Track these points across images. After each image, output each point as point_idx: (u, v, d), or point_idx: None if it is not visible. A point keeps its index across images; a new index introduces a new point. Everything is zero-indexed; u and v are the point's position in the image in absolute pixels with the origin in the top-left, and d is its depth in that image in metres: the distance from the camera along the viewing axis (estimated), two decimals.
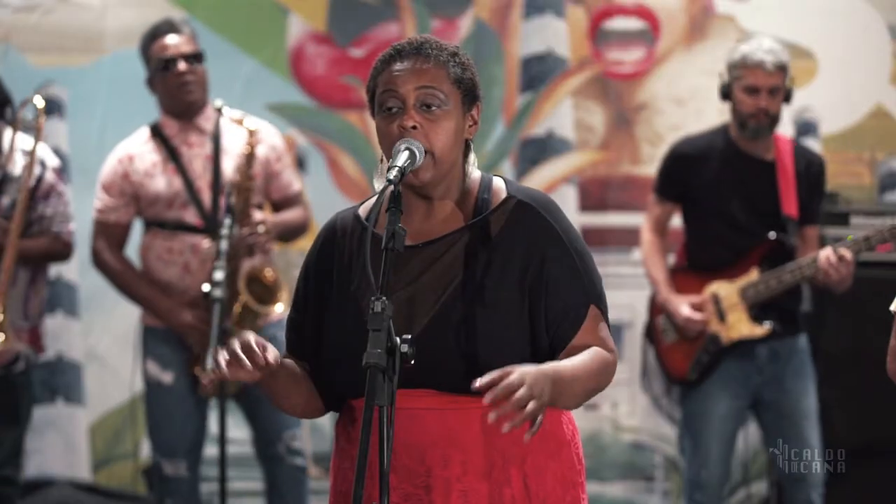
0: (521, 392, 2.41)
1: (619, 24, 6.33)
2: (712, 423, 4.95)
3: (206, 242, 4.82)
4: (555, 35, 6.31)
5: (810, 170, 4.99)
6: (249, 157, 4.85)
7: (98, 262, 4.96)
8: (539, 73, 6.31)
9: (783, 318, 4.94)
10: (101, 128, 6.18)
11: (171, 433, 4.91)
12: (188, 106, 4.90)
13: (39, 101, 4.75)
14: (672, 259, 5.24)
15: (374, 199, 2.74)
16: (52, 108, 6.15)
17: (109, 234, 4.92)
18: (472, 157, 2.73)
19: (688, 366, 4.99)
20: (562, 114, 6.32)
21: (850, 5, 6.22)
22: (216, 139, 4.90)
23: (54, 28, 6.24)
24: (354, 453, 2.61)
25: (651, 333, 5.17)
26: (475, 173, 2.73)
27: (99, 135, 6.16)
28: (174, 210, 4.87)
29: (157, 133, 4.95)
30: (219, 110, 4.91)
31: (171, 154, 4.90)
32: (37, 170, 4.76)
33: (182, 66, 4.86)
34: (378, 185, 2.71)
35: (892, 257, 5.37)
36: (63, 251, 4.89)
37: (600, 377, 2.64)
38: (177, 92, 4.89)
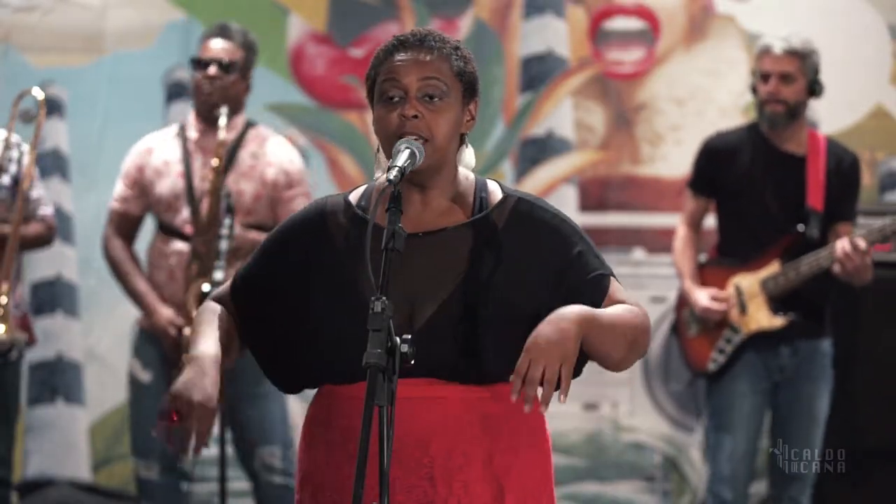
0: (530, 373, 2.46)
1: (619, 24, 6.33)
2: (738, 419, 4.98)
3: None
4: (555, 35, 6.31)
5: (841, 166, 5.01)
6: (217, 168, 4.80)
7: (104, 248, 4.99)
8: (539, 73, 6.31)
9: (807, 317, 4.96)
10: (101, 128, 6.18)
11: (145, 433, 4.90)
12: (206, 110, 4.90)
13: (39, 93, 4.74)
14: (704, 257, 5.26)
15: (362, 189, 2.76)
16: (52, 108, 6.14)
17: (119, 223, 4.96)
18: (470, 151, 2.74)
19: (709, 356, 5.02)
20: (562, 114, 6.31)
21: (850, 5, 6.22)
22: (232, 151, 4.88)
23: (54, 28, 6.24)
24: (351, 447, 2.61)
25: (676, 326, 5.21)
26: (470, 175, 2.74)
27: (99, 135, 6.16)
28: (171, 213, 4.88)
29: (180, 132, 4.98)
30: (221, 118, 4.88)
31: (185, 156, 4.91)
32: (14, 153, 4.76)
33: (212, 70, 4.86)
34: (376, 176, 2.72)
35: (893, 257, 5.38)
36: (49, 235, 4.91)
37: (638, 329, 2.64)
38: (198, 93, 4.91)
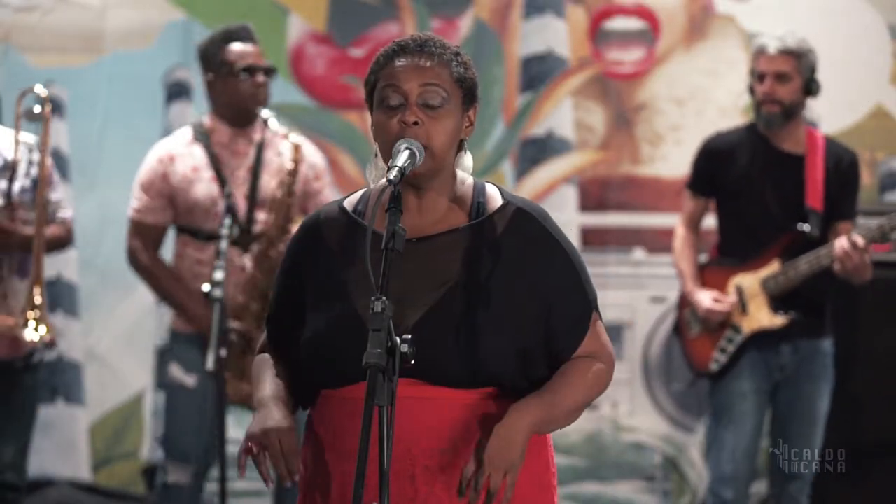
0: (475, 481, 2.54)
1: (619, 24, 6.33)
2: (739, 418, 4.98)
3: (242, 258, 4.77)
4: (555, 35, 6.32)
5: (840, 165, 5.00)
6: (293, 173, 4.81)
7: (134, 262, 4.89)
8: (539, 73, 6.31)
9: (808, 316, 4.97)
10: (101, 128, 6.18)
11: (186, 437, 4.85)
12: (250, 115, 4.86)
13: (42, 90, 4.70)
14: (705, 258, 5.26)
15: (359, 193, 2.76)
16: (52, 108, 6.14)
17: (146, 234, 4.85)
18: (469, 158, 2.74)
19: (711, 357, 5.03)
20: (562, 114, 6.32)
21: (850, 5, 6.23)
22: (259, 150, 4.86)
23: (54, 28, 6.24)
24: (344, 447, 2.62)
25: (678, 327, 5.22)
26: (468, 178, 2.74)
27: (99, 135, 6.17)
28: (210, 219, 4.80)
29: (199, 136, 4.88)
30: (265, 121, 4.87)
31: (213, 160, 4.84)
32: (35, 156, 4.74)
33: (261, 78, 4.82)
34: (371, 178, 2.72)
35: (892, 257, 5.38)
36: (68, 237, 4.86)
37: (596, 388, 2.72)
38: (247, 100, 4.83)
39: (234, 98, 4.84)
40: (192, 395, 4.85)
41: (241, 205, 4.81)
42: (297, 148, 4.84)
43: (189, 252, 4.85)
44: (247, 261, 4.80)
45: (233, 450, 4.97)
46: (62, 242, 4.85)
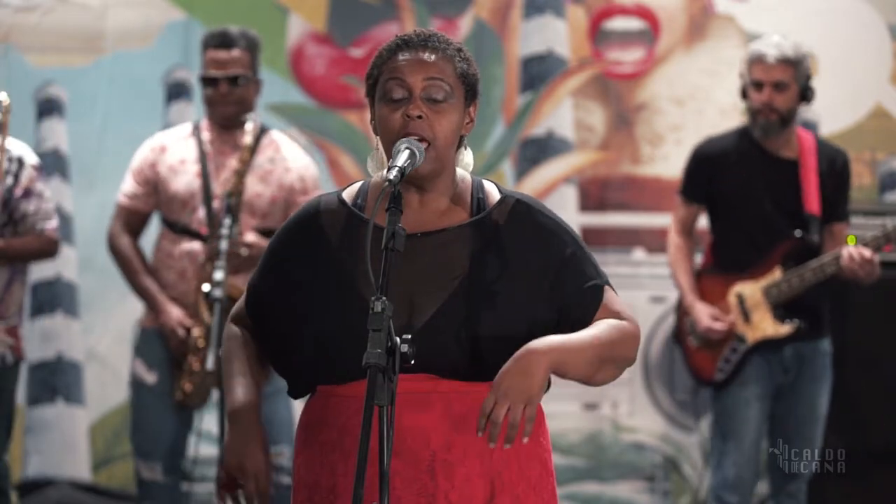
0: (494, 413, 2.49)
1: (619, 24, 6.33)
2: (743, 425, 4.96)
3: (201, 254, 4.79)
4: (555, 35, 6.32)
5: (834, 166, 4.99)
6: (240, 173, 4.82)
7: (110, 244, 4.95)
8: (539, 73, 6.31)
9: (810, 320, 4.96)
10: (101, 128, 6.18)
11: (149, 434, 4.87)
12: (229, 120, 4.89)
13: (4, 97, 4.65)
14: (700, 260, 5.24)
15: (357, 186, 2.76)
16: (52, 108, 6.15)
17: (126, 219, 4.92)
18: (469, 154, 2.75)
19: (714, 367, 5.00)
20: (562, 114, 6.32)
21: (850, 5, 6.22)
22: (248, 155, 4.87)
23: (54, 28, 6.24)
24: (352, 446, 2.62)
25: (678, 335, 5.19)
26: (467, 175, 2.76)
27: (99, 135, 6.16)
28: (186, 212, 4.84)
29: (196, 131, 4.94)
30: (244, 123, 4.88)
31: (202, 156, 4.88)
32: (13, 167, 4.70)
33: (223, 88, 4.85)
34: (371, 169, 2.73)
35: (893, 257, 5.38)
36: (48, 249, 4.78)
37: (617, 344, 2.65)
38: (213, 107, 4.90)
39: (205, 102, 4.93)
40: (151, 391, 4.87)
41: (219, 203, 4.82)
42: (245, 149, 4.83)
43: (164, 244, 4.91)
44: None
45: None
46: (35, 253, 4.75)
